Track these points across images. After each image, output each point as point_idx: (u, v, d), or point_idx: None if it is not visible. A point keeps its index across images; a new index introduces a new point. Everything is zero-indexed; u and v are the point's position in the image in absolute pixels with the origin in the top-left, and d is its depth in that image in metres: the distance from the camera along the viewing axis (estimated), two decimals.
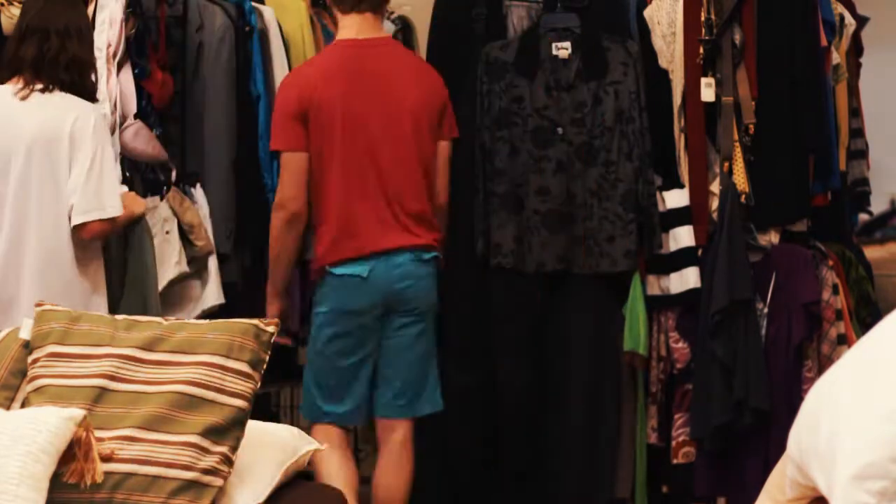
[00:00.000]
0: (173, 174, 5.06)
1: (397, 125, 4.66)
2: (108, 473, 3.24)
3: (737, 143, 4.82)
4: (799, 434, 2.78)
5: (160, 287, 5.00)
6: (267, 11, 5.39)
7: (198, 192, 5.09)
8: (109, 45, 4.85)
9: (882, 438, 2.56)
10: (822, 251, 4.97)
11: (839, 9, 5.19)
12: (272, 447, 3.50)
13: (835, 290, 4.91)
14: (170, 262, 5.00)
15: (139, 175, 5.05)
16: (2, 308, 4.47)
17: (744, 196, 4.78)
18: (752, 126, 4.82)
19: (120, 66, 4.89)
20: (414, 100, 4.67)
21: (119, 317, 3.63)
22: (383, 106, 4.66)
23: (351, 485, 4.60)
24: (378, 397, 4.72)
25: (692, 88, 4.85)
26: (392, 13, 6.18)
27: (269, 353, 3.48)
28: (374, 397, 4.72)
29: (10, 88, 4.51)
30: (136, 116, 4.92)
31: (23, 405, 3.47)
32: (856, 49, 5.51)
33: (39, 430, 3.16)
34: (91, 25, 4.80)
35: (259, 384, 3.43)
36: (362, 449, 6.66)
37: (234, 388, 3.38)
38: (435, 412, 4.76)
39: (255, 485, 3.39)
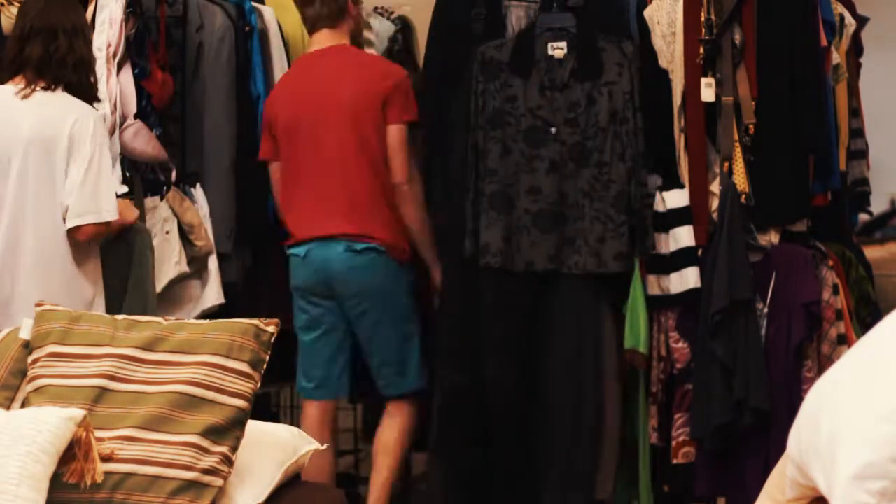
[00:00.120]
0: (173, 174, 5.07)
1: (335, 120, 5.01)
2: (108, 473, 3.24)
3: (737, 143, 4.81)
4: (799, 434, 2.78)
5: (160, 287, 5.01)
6: (267, 11, 5.39)
7: (198, 192, 5.10)
8: (109, 45, 4.85)
9: (882, 438, 2.56)
10: (822, 251, 4.96)
11: (839, 9, 5.19)
12: (272, 447, 3.50)
13: (835, 290, 4.91)
14: (170, 262, 5.01)
15: (139, 175, 5.05)
16: None
17: (744, 196, 4.78)
18: (752, 126, 4.81)
19: (120, 66, 4.89)
20: (350, 93, 5.01)
21: (119, 317, 3.63)
22: (319, 105, 5.03)
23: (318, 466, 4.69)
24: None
25: (692, 88, 4.85)
26: (392, 13, 6.19)
27: (269, 353, 3.48)
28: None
29: (12, 88, 4.51)
30: (136, 116, 4.92)
31: (23, 405, 3.47)
32: (856, 49, 5.51)
33: (39, 430, 3.16)
34: (91, 25, 4.80)
35: (259, 384, 3.43)
36: (362, 449, 6.66)
37: (234, 388, 3.38)
38: (419, 389, 5.14)
39: (255, 485, 3.39)
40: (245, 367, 3.41)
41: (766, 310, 4.82)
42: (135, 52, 4.99)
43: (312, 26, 5.13)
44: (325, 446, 3.71)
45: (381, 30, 6.06)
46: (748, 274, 4.77)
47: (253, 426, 3.45)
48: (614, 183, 4.82)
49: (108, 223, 4.49)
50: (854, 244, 5.53)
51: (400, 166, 5.02)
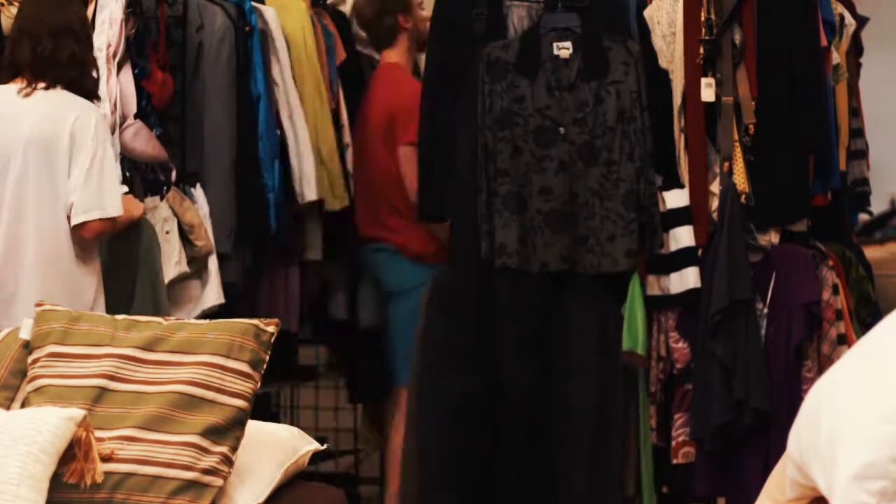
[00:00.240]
0: (173, 174, 5.06)
1: (367, 137, 5.73)
2: (108, 473, 3.24)
3: (737, 143, 4.81)
4: (799, 434, 2.78)
5: None
6: (267, 11, 5.39)
7: (198, 192, 5.09)
8: (109, 45, 4.85)
9: (882, 438, 2.56)
10: (822, 251, 4.96)
11: (839, 9, 5.19)
12: (272, 447, 3.50)
13: (835, 290, 4.91)
14: (170, 262, 5.00)
15: (139, 175, 5.04)
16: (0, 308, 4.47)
17: (744, 196, 4.78)
18: (752, 126, 4.81)
19: (120, 66, 4.89)
20: (373, 113, 5.68)
21: (119, 317, 3.63)
22: (360, 122, 5.78)
23: None
24: None
25: (692, 88, 4.85)
26: None
27: (269, 353, 3.48)
28: None
29: (14, 87, 4.51)
30: (136, 116, 4.92)
31: (23, 405, 3.47)
32: (856, 49, 5.50)
33: (39, 430, 3.16)
34: (91, 25, 4.80)
35: (259, 384, 3.43)
36: (362, 449, 6.67)
37: (234, 388, 3.38)
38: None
39: (255, 485, 3.39)
40: (245, 367, 3.41)
41: (766, 310, 4.82)
42: (135, 52, 4.99)
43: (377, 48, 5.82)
44: (324, 446, 3.71)
45: None
46: (748, 274, 4.77)
47: (253, 426, 3.45)
48: (623, 182, 4.82)
49: (113, 219, 4.50)
50: (854, 244, 5.53)
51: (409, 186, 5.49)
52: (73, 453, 3.22)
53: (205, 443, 3.30)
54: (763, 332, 4.81)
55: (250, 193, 5.21)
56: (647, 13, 4.95)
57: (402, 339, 5.41)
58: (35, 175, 4.47)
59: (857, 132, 5.54)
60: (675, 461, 4.88)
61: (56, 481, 3.18)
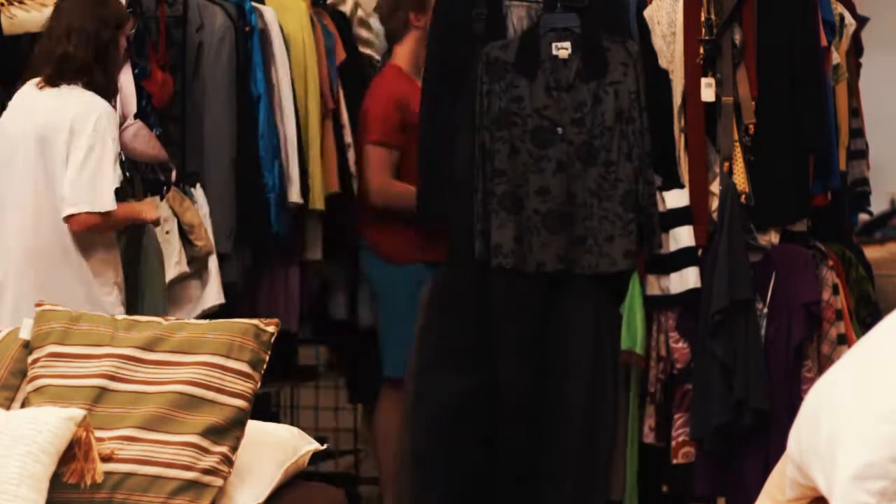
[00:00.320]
0: (173, 174, 5.06)
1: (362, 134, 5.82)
2: (108, 473, 3.24)
3: (737, 143, 4.81)
4: (799, 434, 2.78)
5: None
6: (267, 11, 5.39)
7: (198, 192, 5.09)
8: None
9: (882, 438, 2.56)
10: (822, 251, 4.96)
11: (839, 9, 5.19)
12: (272, 447, 3.50)
13: (835, 290, 4.91)
14: (170, 262, 5.01)
15: (139, 175, 5.04)
16: None
17: (744, 196, 4.78)
18: (752, 126, 4.81)
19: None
20: (363, 111, 5.83)
21: (119, 317, 3.63)
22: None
23: None
24: None
25: (692, 88, 4.85)
26: None
27: (269, 353, 3.48)
28: None
29: (34, 82, 4.62)
30: (136, 116, 4.92)
31: (23, 405, 3.47)
32: (856, 49, 5.51)
33: (39, 430, 3.16)
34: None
35: (259, 384, 3.43)
36: (362, 449, 6.66)
37: (234, 388, 3.38)
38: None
39: (255, 485, 3.39)
40: (245, 367, 3.41)
41: (766, 310, 4.82)
42: (135, 52, 4.99)
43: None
44: (324, 446, 3.71)
45: (381, 30, 6.06)
46: (748, 274, 4.77)
47: (253, 426, 3.45)
48: (622, 182, 4.82)
49: (106, 215, 4.51)
50: (854, 244, 5.53)
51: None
52: (73, 453, 3.21)
53: (205, 443, 3.30)
54: (763, 332, 4.81)
55: (250, 193, 5.21)
56: (647, 13, 4.95)
57: (387, 334, 5.67)
58: (35, 168, 4.53)
59: (857, 132, 5.54)
60: (675, 461, 4.88)
61: (56, 481, 3.18)
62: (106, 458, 3.25)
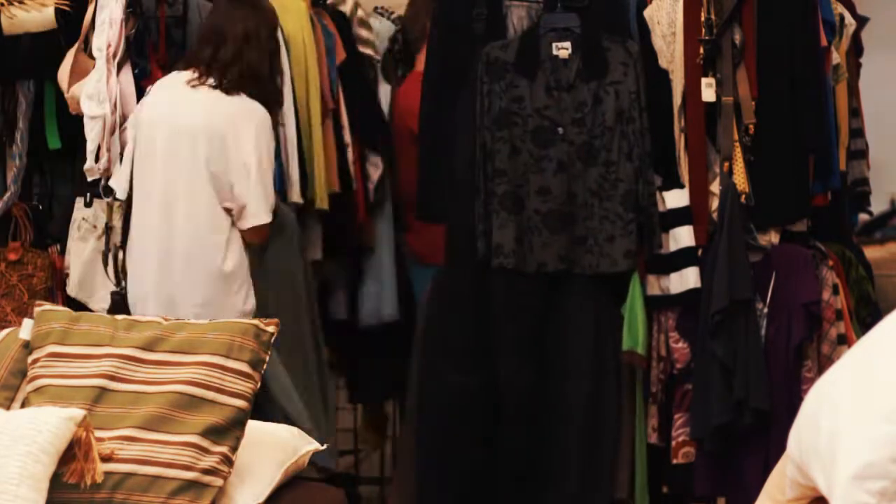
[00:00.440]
0: None
1: None
2: (108, 473, 3.25)
3: (737, 143, 4.81)
4: (799, 434, 2.78)
5: None
6: None
7: None
8: (109, 45, 4.84)
9: (882, 438, 2.56)
10: (822, 251, 4.96)
11: (839, 9, 5.19)
12: (272, 447, 3.50)
13: (835, 290, 4.91)
14: None
15: None
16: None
17: (744, 196, 4.78)
18: (752, 126, 4.81)
19: (120, 66, 4.88)
20: None
21: (119, 317, 3.64)
22: None
23: None
24: None
25: (692, 88, 4.85)
26: (392, 13, 6.18)
27: (269, 353, 3.48)
28: None
29: (183, 76, 4.71)
30: None
31: (23, 405, 3.47)
32: (856, 49, 5.51)
33: (39, 430, 3.16)
34: (91, 25, 4.80)
35: (259, 384, 3.44)
36: (362, 449, 6.66)
37: (234, 388, 3.38)
38: None
39: (255, 485, 3.39)
40: (245, 367, 3.41)
41: (766, 310, 4.82)
42: (135, 52, 4.99)
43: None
44: (324, 446, 3.71)
45: (381, 30, 6.06)
46: (748, 274, 4.77)
47: (253, 426, 3.45)
48: (622, 182, 4.82)
49: (268, 224, 4.72)
50: (854, 244, 5.53)
51: None
52: (73, 453, 3.22)
53: (205, 443, 3.30)
54: (763, 332, 4.81)
55: None
56: (647, 13, 4.95)
57: None
58: (194, 168, 4.64)
59: (857, 132, 5.54)
60: (675, 461, 4.88)
61: (56, 481, 3.18)
62: (106, 458, 3.26)
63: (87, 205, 5.03)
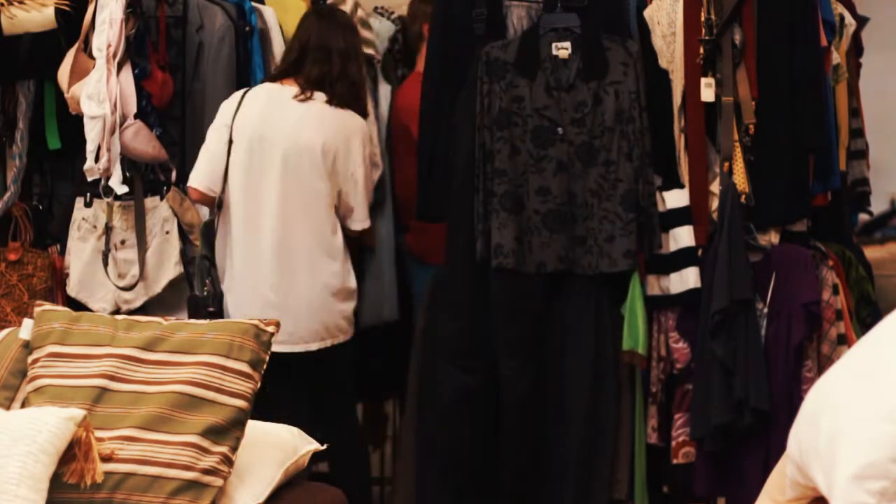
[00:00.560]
0: (173, 174, 5.06)
1: None
2: (108, 473, 3.25)
3: (737, 143, 4.81)
4: (799, 434, 2.78)
5: (160, 287, 5.01)
6: (267, 11, 5.39)
7: None
8: (109, 45, 4.85)
9: (882, 438, 2.56)
10: (822, 251, 4.96)
11: (839, 9, 5.19)
12: (272, 447, 3.50)
13: (835, 290, 4.91)
14: (170, 262, 5.01)
15: (139, 175, 5.04)
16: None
17: (744, 196, 4.78)
18: (752, 126, 4.81)
19: (120, 66, 4.88)
20: None
21: (119, 317, 3.64)
22: None
23: None
24: None
25: (692, 88, 4.85)
26: (392, 13, 6.18)
27: (269, 352, 3.48)
28: None
29: (287, 90, 4.90)
30: (136, 116, 4.92)
31: (23, 405, 3.47)
32: (856, 49, 5.51)
33: (39, 430, 3.16)
34: (91, 25, 4.80)
35: (259, 384, 3.44)
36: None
37: (234, 388, 3.38)
38: None
39: (255, 485, 3.39)
40: (245, 367, 3.41)
41: (766, 310, 4.82)
42: (135, 52, 4.99)
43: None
44: (324, 446, 3.71)
45: (381, 30, 6.06)
46: (748, 274, 4.77)
47: (253, 426, 3.45)
48: (622, 182, 4.82)
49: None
50: (854, 244, 5.53)
51: None
52: (73, 453, 3.22)
53: (205, 443, 3.31)
54: (763, 332, 4.81)
55: None
56: (647, 13, 4.95)
57: None
58: (307, 179, 4.84)
59: (857, 132, 5.54)
60: (675, 461, 4.88)
61: (56, 481, 3.18)
62: (106, 458, 3.26)
63: (87, 205, 5.03)
